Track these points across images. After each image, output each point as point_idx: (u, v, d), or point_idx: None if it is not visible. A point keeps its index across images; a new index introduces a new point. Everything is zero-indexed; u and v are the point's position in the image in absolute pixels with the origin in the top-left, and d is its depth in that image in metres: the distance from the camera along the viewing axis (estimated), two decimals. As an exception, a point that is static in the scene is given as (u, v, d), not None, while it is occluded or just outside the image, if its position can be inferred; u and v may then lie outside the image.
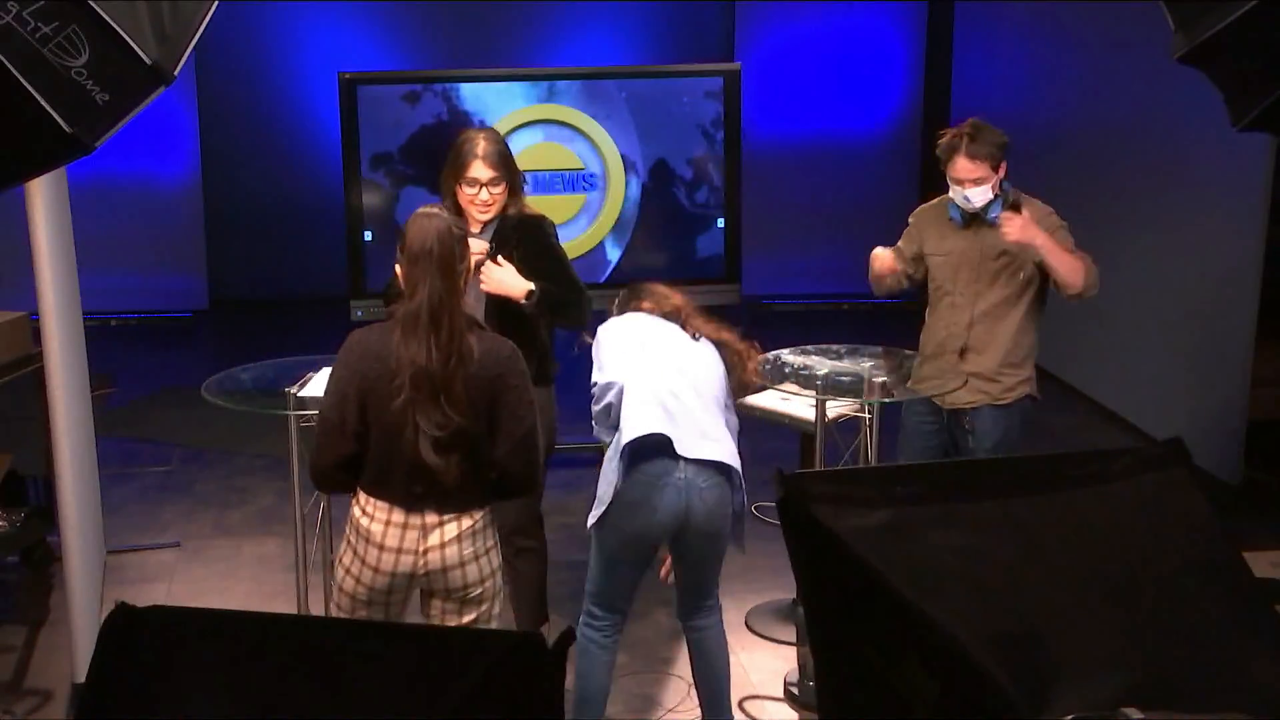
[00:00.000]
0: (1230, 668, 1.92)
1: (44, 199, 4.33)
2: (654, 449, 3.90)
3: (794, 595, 4.97)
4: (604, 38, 9.35)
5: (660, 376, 3.99)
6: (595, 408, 4.05)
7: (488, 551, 3.57)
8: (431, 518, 3.48)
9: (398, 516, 3.48)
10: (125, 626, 1.95)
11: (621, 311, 4.25)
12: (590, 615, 4.11)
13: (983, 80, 8.92)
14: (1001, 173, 4.62)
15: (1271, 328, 6.34)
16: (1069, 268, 4.54)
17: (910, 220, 4.92)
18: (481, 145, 4.34)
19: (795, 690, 4.62)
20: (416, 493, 3.46)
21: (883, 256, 4.77)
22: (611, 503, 3.92)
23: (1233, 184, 6.30)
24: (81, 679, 3.25)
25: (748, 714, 4.60)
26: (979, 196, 4.60)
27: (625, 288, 4.39)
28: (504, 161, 4.37)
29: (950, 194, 4.68)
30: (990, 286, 4.67)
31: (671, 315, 4.16)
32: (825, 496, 1.91)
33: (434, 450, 3.38)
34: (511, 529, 4.56)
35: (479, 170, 4.33)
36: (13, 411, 5.41)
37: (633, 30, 9.43)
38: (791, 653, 4.81)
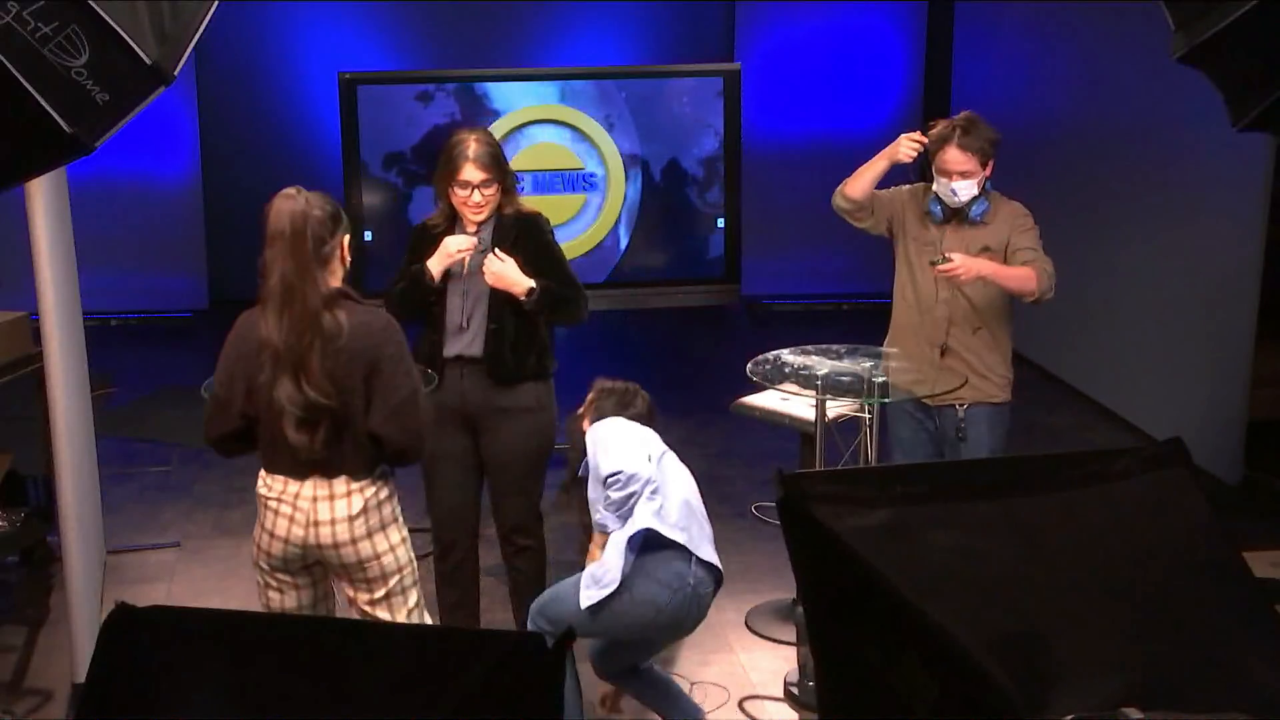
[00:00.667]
0: (1230, 668, 1.92)
1: (44, 199, 4.33)
2: (668, 546, 4.00)
3: (794, 595, 4.97)
4: (604, 38, 9.35)
5: (681, 479, 4.14)
6: (615, 494, 4.03)
7: (383, 528, 3.66)
8: (322, 489, 3.60)
9: (291, 487, 3.62)
10: (125, 626, 1.95)
11: (615, 413, 4.26)
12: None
13: (983, 80, 8.91)
14: (988, 171, 4.61)
15: (1271, 328, 6.34)
16: (1018, 281, 4.55)
17: (889, 191, 4.82)
18: (472, 147, 4.35)
19: (795, 690, 4.62)
20: (301, 460, 3.58)
21: (876, 171, 4.74)
22: (615, 592, 3.96)
23: (1233, 184, 6.29)
24: (81, 679, 3.25)
25: (748, 714, 4.60)
26: (965, 191, 4.58)
27: (614, 393, 4.34)
28: (495, 162, 4.38)
29: (934, 186, 4.64)
30: (970, 285, 4.63)
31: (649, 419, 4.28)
32: (825, 496, 1.91)
33: (295, 428, 3.51)
34: (511, 528, 4.56)
35: (470, 173, 4.33)
36: (13, 411, 5.42)
37: (633, 30, 9.42)
38: (791, 653, 4.81)
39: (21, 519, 5.40)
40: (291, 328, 3.49)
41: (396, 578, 3.70)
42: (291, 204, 3.54)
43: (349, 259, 3.70)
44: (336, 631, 2.36)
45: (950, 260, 4.48)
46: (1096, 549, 1.98)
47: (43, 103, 2.63)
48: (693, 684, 4.58)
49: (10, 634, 5.08)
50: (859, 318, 8.99)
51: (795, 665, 4.71)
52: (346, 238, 3.70)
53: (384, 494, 3.67)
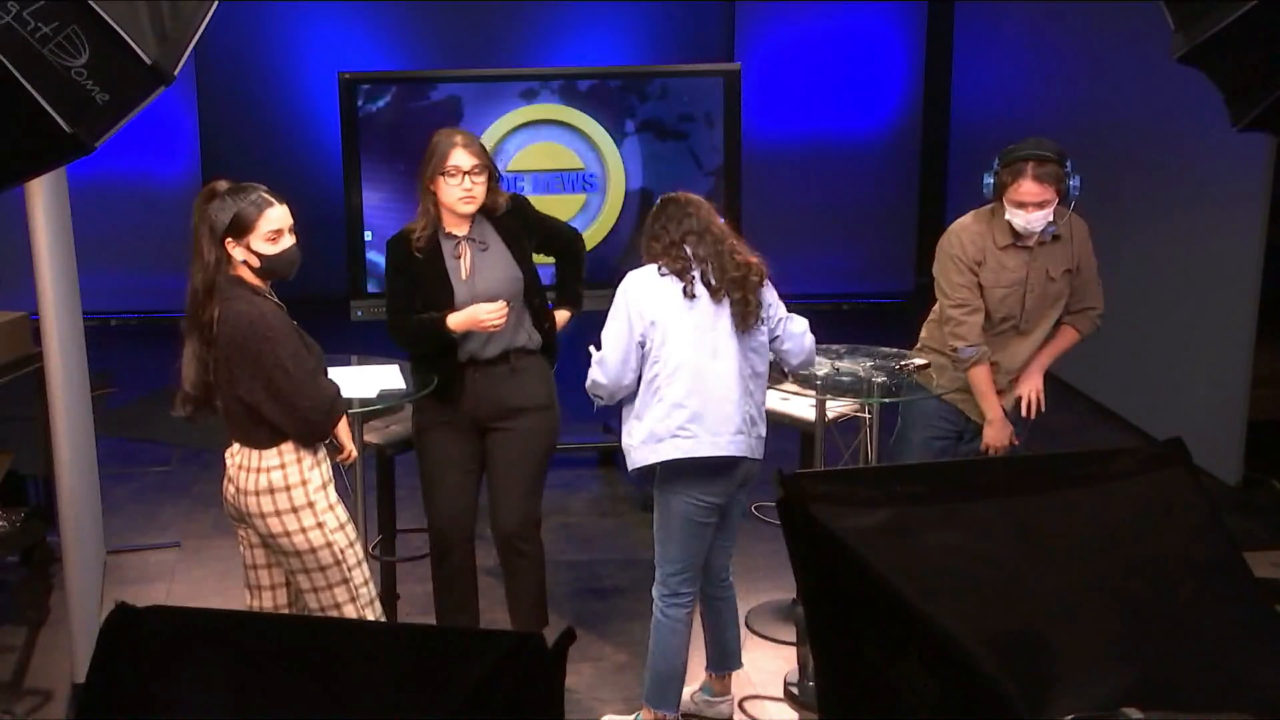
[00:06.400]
0: (1230, 668, 1.92)
1: (44, 199, 4.33)
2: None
3: (794, 595, 4.96)
4: (604, 38, 9.35)
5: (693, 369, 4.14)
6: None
7: (294, 510, 3.79)
8: (243, 459, 3.82)
9: (232, 455, 3.88)
10: (125, 626, 1.95)
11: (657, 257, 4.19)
12: (675, 594, 4.21)
13: (983, 80, 8.92)
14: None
15: (1271, 328, 6.34)
16: (1070, 347, 4.71)
17: (958, 254, 4.53)
18: (460, 136, 4.36)
19: (795, 690, 4.62)
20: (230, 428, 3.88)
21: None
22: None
23: (1233, 184, 6.29)
24: (81, 679, 3.26)
25: (748, 714, 4.60)
26: (1041, 221, 4.41)
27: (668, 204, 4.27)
28: (484, 152, 4.39)
29: (1008, 216, 4.43)
30: (1053, 306, 4.59)
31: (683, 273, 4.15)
32: (825, 496, 1.91)
33: (180, 402, 3.84)
34: (512, 533, 4.55)
35: (460, 157, 4.30)
36: (13, 411, 5.41)
37: (633, 30, 9.42)
38: (791, 653, 4.81)
39: (21, 519, 5.39)
40: (190, 314, 3.75)
41: (310, 555, 3.81)
42: (199, 195, 3.74)
43: (269, 251, 3.74)
44: (336, 631, 2.36)
45: (1026, 401, 4.60)
46: (1096, 549, 1.98)
47: (43, 103, 2.63)
48: (694, 688, 4.57)
49: (10, 634, 5.08)
50: (859, 318, 8.99)
51: (795, 665, 4.71)
52: (265, 231, 3.73)
53: (295, 478, 3.79)
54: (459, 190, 4.31)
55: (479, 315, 4.30)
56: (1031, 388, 4.65)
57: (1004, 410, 4.64)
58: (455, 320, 4.32)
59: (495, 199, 4.42)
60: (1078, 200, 4.49)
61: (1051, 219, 4.44)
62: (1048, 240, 4.51)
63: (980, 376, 4.56)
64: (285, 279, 3.81)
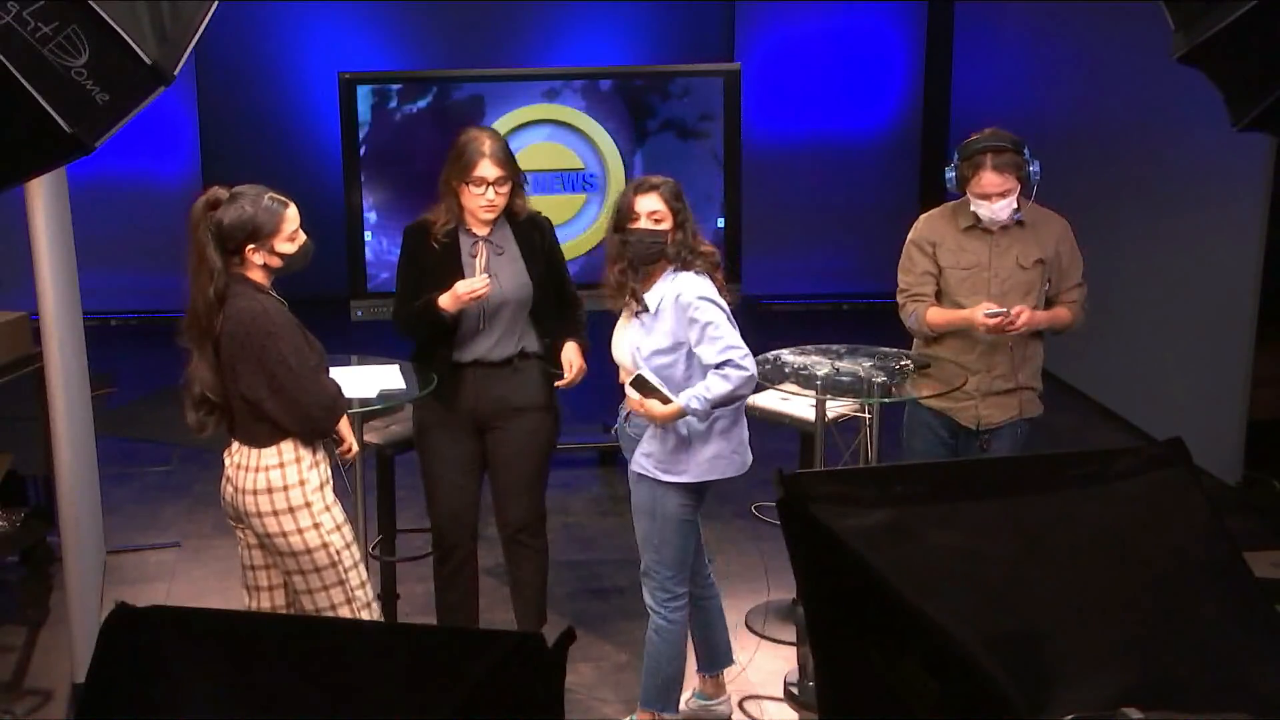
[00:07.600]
0: (1230, 668, 1.92)
1: (44, 199, 4.33)
2: None
3: (794, 595, 4.96)
4: (604, 38, 9.35)
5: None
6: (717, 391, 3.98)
7: (291, 510, 3.79)
8: (242, 458, 3.83)
9: (231, 454, 3.88)
10: (125, 626, 1.95)
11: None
12: (675, 597, 4.21)
13: (983, 80, 8.91)
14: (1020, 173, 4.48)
15: (1271, 328, 6.34)
16: (1061, 323, 4.60)
17: (914, 238, 4.63)
18: (488, 144, 4.32)
19: (795, 690, 4.62)
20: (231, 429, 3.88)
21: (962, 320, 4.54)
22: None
23: (1233, 184, 6.29)
24: (81, 679, 3.26)
25: (748, 714, 4.60)
26: (1006, 209, 4.46)
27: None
28: (510, 159, 4.37)
29: (972, 207, 4.50)
30: (1024, 298, 4.54)
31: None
32: (825, 496, 1.91)
33: (191, 407, 3.81)
34: (518, 528, 4.56)
35: (486, 169, 4.30)
36: (13, 411, 5.42)
37: (633, 30, 9.42)
38: (791, 653, 4.81)
39: (21, 519, 5.40)
40: (191, 317, 3.75)
41: (306, 556, 3.81)
42: (198, 203, 3.73)
43: (291, 249, 3.79)
44: (337, 631, 2.36)
45: (1011, 314, 4.40)
46: (1096, 549, 1.98)
47: (43, 103, 2.64)
48: (687, 695, 4.57)
49: (10, 634, 5.08)
50: (859, 318, 8.99)
51: (795, 665, 4.71)
52: (288, 231, 3.76)
53: (293, 478, 3.79)
54: (482, 200, 4.32)
55: (459, 291, 4.29)
56: (1026, 312, 4.45)
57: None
58: (444, 300, 4.33)
59: (517, 202, 4.42)
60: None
61: (1016, 206, 4.49)
62: (1011, 226, 4.54)
63: (936, 316, 4.57)
64: (300, 270, 3.85)
